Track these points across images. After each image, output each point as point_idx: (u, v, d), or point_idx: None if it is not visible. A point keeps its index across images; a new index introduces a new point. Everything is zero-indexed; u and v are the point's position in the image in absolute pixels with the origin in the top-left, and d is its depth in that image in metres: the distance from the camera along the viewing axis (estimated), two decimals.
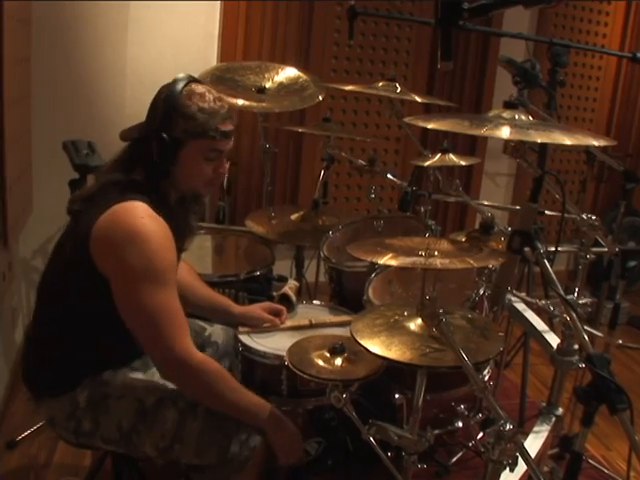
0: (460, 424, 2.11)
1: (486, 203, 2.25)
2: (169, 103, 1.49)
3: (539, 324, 1.89)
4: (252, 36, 3.31)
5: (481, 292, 1.98)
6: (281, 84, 2.73)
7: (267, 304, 1.96)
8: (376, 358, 1.41)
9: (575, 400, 1.15)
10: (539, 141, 1.53)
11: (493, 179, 4.18)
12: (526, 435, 1.57)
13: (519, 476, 1.34)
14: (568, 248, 1.98)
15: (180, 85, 1.51)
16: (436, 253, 1.48)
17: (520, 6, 1.27)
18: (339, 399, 1.45)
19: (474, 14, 1.24)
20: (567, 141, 1.26)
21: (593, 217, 1.74)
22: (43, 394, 1.58)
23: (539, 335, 1.83)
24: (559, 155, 4.29)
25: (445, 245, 1.58)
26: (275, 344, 1.78)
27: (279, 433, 1.53)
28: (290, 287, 2.10)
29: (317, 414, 1.85)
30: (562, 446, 2.13)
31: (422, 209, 2.36)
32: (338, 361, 1.55)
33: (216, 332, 1.91)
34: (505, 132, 1.27)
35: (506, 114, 1.39)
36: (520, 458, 1.23)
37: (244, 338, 1.82)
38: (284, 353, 1.61)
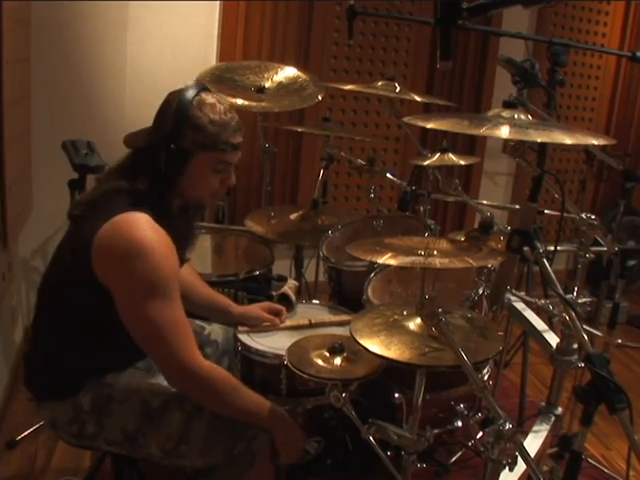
0: (459, 423, 2.10)
1: (485, 202, 2.25)
2: (179, 113, 1.46)
3: (538, 323, 1.89)
4: (251, 36, 3.31)
5: (480, 291, 1.98)
6: (280, 84, 2.73)
7: (266, 304, 1.96)
8: (375, 357, 1.41)
9: (574, 399, 1.15)
10: (538, 140, 1.53)
11: (492, 178, 4.18)
12: (525, 434, 1.57)
13: (518, 475, 1.34)
14: (567, 247, 1.98)
15: (190, 94, 1.48)
16: (435, 252, 1.48)
17: (519, 5, 1.27)
18: (338, 398, 1.45)
19: (473, 14, 1.25)
20: (566, 140, 1.26)
21: (592, 216, 1.74)
22: (45, 397, 1.57)
23: (538, 334, 1.83)
24: (559, 154, 4.29)
25: (444, 244, 1.58)
26: (274, 343, 1.78)
27: (283, 432, 1.54)
28: (289, 287, 2.10)
29: (316, 413, 1.84)
30: (562, 445, 2.13)
31: (421, 208, 2.35)
32: (337, 360, 1.55)
33: (215, 331, 1.91)
34: (504, 131, 1.27)
35: (505, 113, 1.39)
36: (519, 457, 1.23)
37: (243, 337, 1.82)
38: (283, 352, 1.61)
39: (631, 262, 3.93)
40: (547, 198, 3.69)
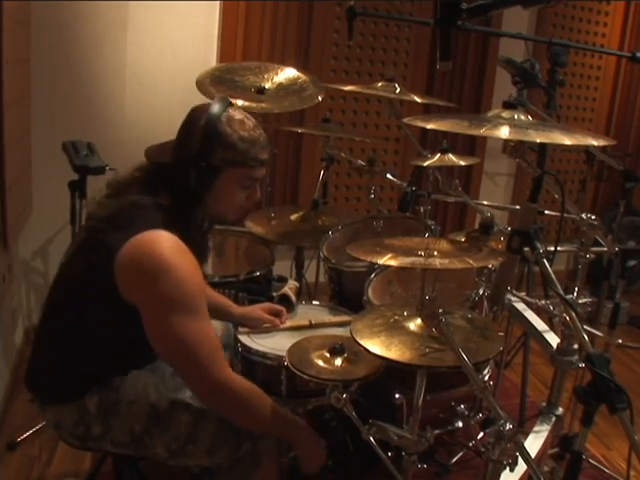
0: (460, 424, 2.10)
1: (485, 203, 2.25)
2: (208, 130, 1.45)
3: (539, 324, 1.89)
4: (251, 36, 3.31)
5: (481, 292, 1.98)
6: (280, 85, 2.73)
7: (267, 305, 1.97)
8: (376, 358, 1.41)
9: (575, 400, 1.15)
10: (538, 141, 1.53)
11: (493, 179, 4.18)
12: (526, 435, 1.57)
13: (519, 476, 1.34)
14: (568, 248, 1.98)
15: (218, 110, 1.47)
16: (435, 253, 1.48)
17: (519, 6, 1.27)
18: (339, 399, 1.45)
19: (473, 14, 1.24)
20: (566, 141, 1.26)
21: (593, 217, 1.74)
22: (49, 400, 1.56)
23: (539, 335, 1.83)
24: (559, 155, 4.29)
25: (444, 245, 1.58)
26: (275, 344, 1.78)
27: (307, 446, 1.57)
28: (290, 287, 2.10)
29: (317, 414, 1.84)
30: (562, 446, 2.13)
31: (422, 209, 2.36)
32: (338, 361, 1.55)
33: (215, 327, 1.91)
34: (504, 132, 1.27)
35: (505, 114, 1.39)
36: (520, 458, 1.23)
37: (244, 338, 1.82)
38: (284, 353, 1.61)
39: (631, 262, 3.93)
40: (547, 198, 3.69)
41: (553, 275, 1.34)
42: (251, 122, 1.51)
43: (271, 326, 1.89)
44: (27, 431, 2.34)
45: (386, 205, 3.76)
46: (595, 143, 1.32)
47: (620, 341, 2.38)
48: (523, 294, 2.00)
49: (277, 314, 1.93)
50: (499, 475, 1.26)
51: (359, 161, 2.65)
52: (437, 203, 3.68)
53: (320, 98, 2.71)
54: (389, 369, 1.54)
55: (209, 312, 1.88)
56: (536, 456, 1.51)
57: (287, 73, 2.79)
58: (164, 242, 1.39)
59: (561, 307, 1.63)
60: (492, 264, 1.82)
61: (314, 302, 2.17)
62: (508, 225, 2.12)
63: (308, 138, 3.50)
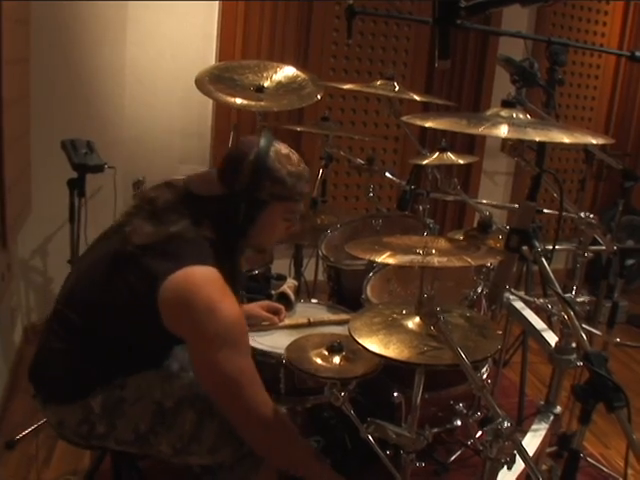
0: (458, 422, 2.11)
1: (484, 202, 2.25)
2: (258, 164, 1.48)
3: (537, 322, 1.89)
4: (251, 36, 3.31)
5: (479, 290, 1.99)
6: (280, 83, 2.73)
7: (266, 303, 1.97)
8: (374, 356, 1.42)
9: (573, 398, 1.15)
10: (537, 140, 1.53)
11: (491, 178, 4.18)
12: (524, 433, 1.57)
13: (517, 474, 1.35)
14: (566, 246, 1.98)
15: (266, 145, 1.50)
16: (434, 251, 1.48)
17: (517, 4, 1.27)
18: (337, 397, 1.45)
19: (471, 13, 1.24)
20: (565, 139, 1.26)
21: (591, 215, 1.74)
22: (52, 399, 1.55)
23: (537, 333, 1.83)
24: (558, 154, 4.29)
25: (443, 243, 1.59)
26: (274, 342, 1.79)
27: None
28: (289, 286, 2.10)
29: (315, 412, 1.85)
30: (560, 444, 2.14)
31: (420, 208, 2.35)
32: (336, 359, 1.55)
33: None
34: (503, 131, 1.26)
35: (504, 113, 1.39)
36: (518, 456, 1.23)
37: None
38: (282, 351, 1.61)
39: (630, 261, 3.92)
40: (546, 197, 3.67)
41: (552, 274, 1.34)
42: (296, 157, 1.55)
43: (270, 324, 1.90)
44: (26, 429, 2.34)
45: (385, 204, 3.76)
46: (594, 142, 1.32)
47: (618, 340, 2.39)
48: (522, 293, 2.00)
49: (276, 312, 1.93)
50: (497, 473, 1.26)
51: (358, 160, 2.65)
52: (436, 202, 3.68)
53: (319, 96, 2.71)
54: (387, 367, 1.55)
55: None
56: (534, 454, 1.52)
57: (286, 71, 2.79)
58: (212, 281, 1.41)
59: (559, 306, 1.62)
60: (491, 263, 1.82)
61: (313, 300, 2.17)
62: (507, 224, 2.12)
63: (307, 136, 3.50)
